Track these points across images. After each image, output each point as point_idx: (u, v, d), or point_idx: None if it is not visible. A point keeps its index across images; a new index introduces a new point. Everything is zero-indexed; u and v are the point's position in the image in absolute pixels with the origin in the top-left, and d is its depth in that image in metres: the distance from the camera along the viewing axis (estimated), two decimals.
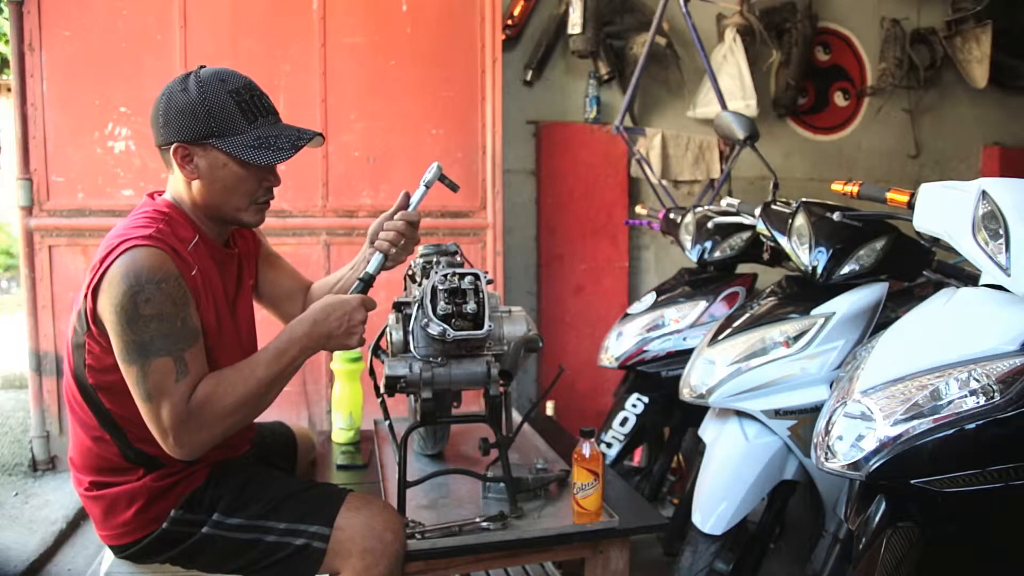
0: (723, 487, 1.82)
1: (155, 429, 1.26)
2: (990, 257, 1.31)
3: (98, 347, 1.30)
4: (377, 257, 1.54)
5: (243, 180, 1.39)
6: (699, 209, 2.55)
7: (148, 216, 1.35)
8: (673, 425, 2.55)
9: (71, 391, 1.38)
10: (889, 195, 1.55)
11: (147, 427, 1.29)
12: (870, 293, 1.79)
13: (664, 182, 3.57)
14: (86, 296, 1.28)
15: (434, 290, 1.50)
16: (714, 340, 1.90)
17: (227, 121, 1.34)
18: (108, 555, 1.48)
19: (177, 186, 1.41)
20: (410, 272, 1.72)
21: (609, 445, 2.39)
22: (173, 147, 1.35)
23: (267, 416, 1.48)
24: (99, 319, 1.28)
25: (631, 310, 2.51)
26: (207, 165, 1.36)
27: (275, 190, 1.47)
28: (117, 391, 1.31)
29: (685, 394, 1.91)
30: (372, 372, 1.64)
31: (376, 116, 3.14)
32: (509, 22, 3.63)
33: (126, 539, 1.39)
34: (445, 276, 1.51)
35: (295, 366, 1.36)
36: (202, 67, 1.39)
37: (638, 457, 2.67)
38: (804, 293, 1.87)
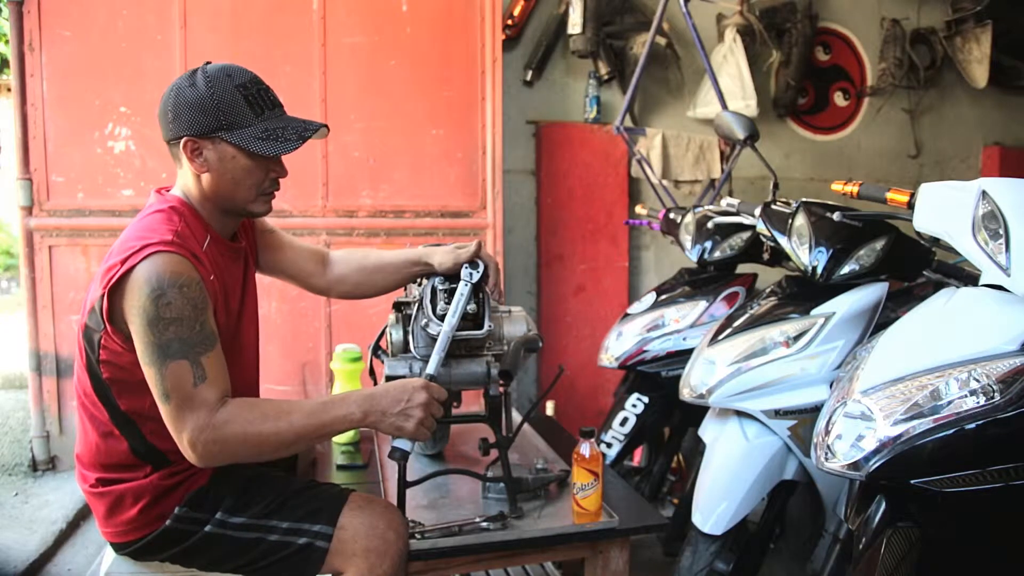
0: (723, 487, 1.82)
1: (172, 428, 1.27)
2: (990, 257, 1.31)
3: (113, 343, 1.31)
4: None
5: (251, 171, 1.41)
6: (699, 209, 2.54)
7: (165, 217, 1.36)
8: (673, 425, 2.55)
9: (83, 386, 1.38)
10: (889, 195, 1.55)
11: (162, 421, 1.31)
12: (870, 293, 1.79)
13: (664, 182, 3.56)
14: (103, 295, 1.29)
15: (434, 290, 1.50)
16: (714, 340, 1.90)
17: (235, 115, 1.36)
18: (108, 555, 1.48)
19: (186, 181, 1.43)
20: None
21: (609, 445, 2.39)
22: (183, 141, 1.37)
23: None
24: (116, 319, 1.29)
25: (631, 310, 2.51)
26: (216, 158, 1.38)
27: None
28: (132, 386, 1.32)
29: (685, 394, 1.91)
30: (372, 372, 1.64)
31: (376, 116, 3.14)
32: (509, 22, 3.63)
33: (129, 536, 1.39)
34: (445, 276, 1.51)
35: (334, 428, 1.33)
36: (208, 63, 1.41)
37: (638, 457, 2.67)
38: (804, 293, 1.87)
